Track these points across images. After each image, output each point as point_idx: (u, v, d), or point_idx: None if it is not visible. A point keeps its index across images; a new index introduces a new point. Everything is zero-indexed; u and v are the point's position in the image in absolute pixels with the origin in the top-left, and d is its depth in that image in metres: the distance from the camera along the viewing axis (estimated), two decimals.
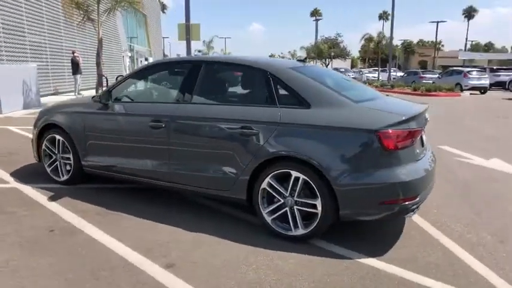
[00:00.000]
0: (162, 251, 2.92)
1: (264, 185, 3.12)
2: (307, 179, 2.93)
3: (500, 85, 25.72)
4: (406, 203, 2.84)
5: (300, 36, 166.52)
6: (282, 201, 3.08)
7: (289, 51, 55.34)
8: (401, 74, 34.64)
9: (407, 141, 2.87)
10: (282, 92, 3.19)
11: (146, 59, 30.15)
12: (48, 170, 4.44)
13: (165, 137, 3.51)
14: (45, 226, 3.31)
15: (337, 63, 57.95)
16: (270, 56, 70.23)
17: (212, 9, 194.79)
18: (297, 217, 3.03)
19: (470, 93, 21.88)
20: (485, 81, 22.65)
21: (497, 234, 3.31)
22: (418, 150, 3.08)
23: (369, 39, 52.31)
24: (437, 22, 52.28)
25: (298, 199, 3.01)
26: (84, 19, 11.35)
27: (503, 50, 79.38)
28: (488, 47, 77.70)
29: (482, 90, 22.52)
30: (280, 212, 3.10)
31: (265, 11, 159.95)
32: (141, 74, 4.14)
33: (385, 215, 2.91)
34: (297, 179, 2.98)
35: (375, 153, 2.82)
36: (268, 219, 3.15)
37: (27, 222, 3.38)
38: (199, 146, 3.40)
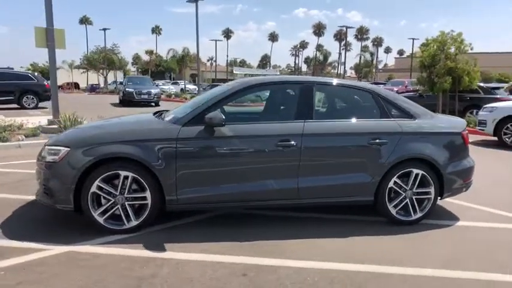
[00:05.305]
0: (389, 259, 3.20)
1: (391, 184, 3.82)
2: (424, 173, 3.85)
3: None
4: (468, 182, 4.21)
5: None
6: (404, 194, 3.87)
7: (64, 61, 49.07)
8: (203, 86, 33.37)
9: (468, 140, 4.24)
10: (390, 107, 3.96)
11: None
12: (101, 219, 3.40)
13: (296, 155, 3.59)
14: (227, 273, 2.86)
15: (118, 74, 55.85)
16: (31, 65, 60.03)
17: None
18: (416, 205, 3.90)
19: None
20: None
21: None
22: None
23: (150, 52, 53.73)
24: (216, 40, 59.31)
25: (416, 190, 3.88)
26: None
27: (250, 66, 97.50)
28: (243, 63, 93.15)
29: None
30: (402, 204, 3.88)
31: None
32: (238, 95, 3.82)
33: (460, 191, 4.19)
34: (417, 174, 3.85)
35: (460, 148, 4.08)
36: (393, 211, 3.87)
37: (207, 276, 2.83)
38: (332, 159, 3.72)
